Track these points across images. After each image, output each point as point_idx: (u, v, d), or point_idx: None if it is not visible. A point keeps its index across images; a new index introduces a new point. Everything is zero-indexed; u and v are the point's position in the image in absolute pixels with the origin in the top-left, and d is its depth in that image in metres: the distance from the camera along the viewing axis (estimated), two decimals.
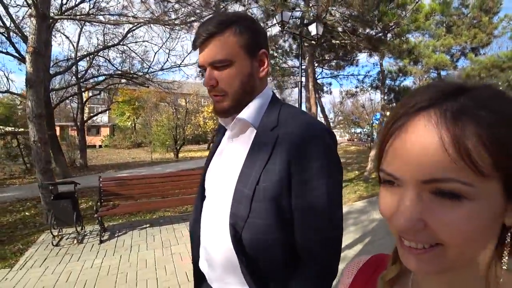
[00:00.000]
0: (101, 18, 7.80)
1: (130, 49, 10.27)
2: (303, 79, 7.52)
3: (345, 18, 6.32)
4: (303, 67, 7.42)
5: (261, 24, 8.18)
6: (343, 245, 0.88)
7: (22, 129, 11.92)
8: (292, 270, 0.83)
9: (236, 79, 0.83)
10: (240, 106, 0.86)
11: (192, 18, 6.29)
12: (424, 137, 0.31)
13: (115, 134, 26.11)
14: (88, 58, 11.14)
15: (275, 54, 10.73)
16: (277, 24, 6.05)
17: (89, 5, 8.51)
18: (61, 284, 2.91)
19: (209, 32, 0.80)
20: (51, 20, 8.93)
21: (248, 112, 0.86)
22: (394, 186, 0.35)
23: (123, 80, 12.24)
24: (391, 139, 0.35)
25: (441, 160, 0.30)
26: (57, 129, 24.11)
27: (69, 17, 7.13)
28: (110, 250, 3.69)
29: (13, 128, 12.18)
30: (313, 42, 6.91)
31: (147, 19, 6.32)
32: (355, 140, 26.37)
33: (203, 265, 0.96)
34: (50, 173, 5.15)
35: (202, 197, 0.98)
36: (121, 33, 10.65)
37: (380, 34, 7.89)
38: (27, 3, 5.65)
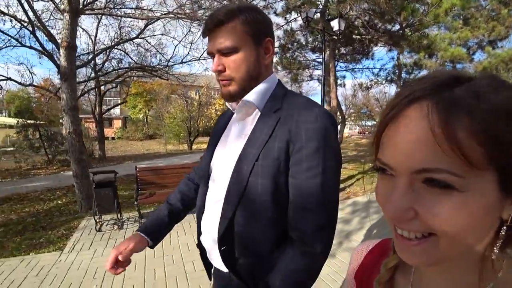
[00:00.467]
0: (127, 11, 7.91)
1: (147, 42, 10.40)
2: (319, 72, 7.62)
3: (368, 13, 6.37)
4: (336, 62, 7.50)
5: (282, 18, 8.18)
6: (362, 234, 0.96)
7: (40, 122, 12.25)
8: (282, 251, 0.86)
9: (243, 65, 0.87)
10: (246, 91, 0.90)
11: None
12: (415, 128, 0.32)
13: (127, 126, 26.50)
14: (105, 52, 11.32)
15: (290, 47, 10.79)
16: (301, 20, 6.13)
17: None
18: None
19: (217, 21, 0.85)
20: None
21: (254, 95, 0.90)
22: (389, 175, 0.36)
23: (140, 73, 12.39)
24: (386, 129, 0.35)
25: (432, 151, 0.30)
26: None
27: (100, 12, 7.29)
28: None
29: (33, 120, 12.51)
30: (334, 37, 6.97)
31: (185, 13, 6.48)
32: (366, 133, 26.33)
33: (204, 241, 1.00)
34: (84, 163, 5.39)
35: (207, 177, 1.00)
36: (137, 26, 10.80)
37: (398, 29, 7.90)
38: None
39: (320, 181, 0.79)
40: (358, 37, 7.35)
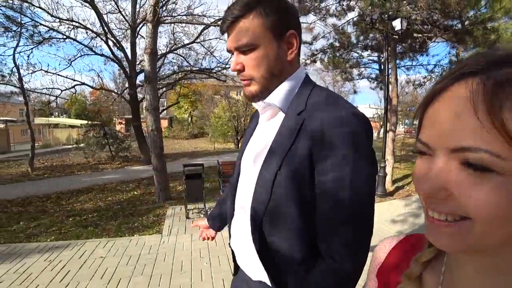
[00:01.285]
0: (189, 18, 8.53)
1: (203, 46, 10.99)
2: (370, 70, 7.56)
3: (431, 10, 6.27)
4: (382, 60, 7.44)
5: (336, 19, 8.21)
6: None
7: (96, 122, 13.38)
8: (311, 265, 0.79)
9: (262, 63, 0.80)
10: (269, 90, 0.84)
11: None
12: (458, 105, 0.31)
13: (173, 125, 27.95)
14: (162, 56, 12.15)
15: (337, 45, 10.78)
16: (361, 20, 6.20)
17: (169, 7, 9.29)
18: (213, 246, 3.55)
19: (234, 16, 0.79)
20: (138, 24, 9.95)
21: (277, 95, 0.83)
22: (427, 155, 0.35)
23: (192, 75, 13.07)
24: (428, 108, 0.35)
25: (472, 128, 0.29)
26: (123, 121, 26.44)
27: (177, 20, 7.96)
28: None
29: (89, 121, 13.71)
30: (395, 36, 6.93)
31: None
32: (412, 132, 25.30)
33: (233, 245, 0.98)
34: (163, 158, 5.94)
35: (237, 181, 0.97)
36: (190, 32, 11.49)
37: (459, 24, 7.62)
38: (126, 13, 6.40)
39: (349, 193, 0.71)
40: (420, 35, 7.22)
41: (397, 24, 6.55)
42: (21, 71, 9.85)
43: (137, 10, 10.22)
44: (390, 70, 7.05)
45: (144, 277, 3.00)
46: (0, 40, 18.30)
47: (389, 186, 7.06)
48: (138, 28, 10.44)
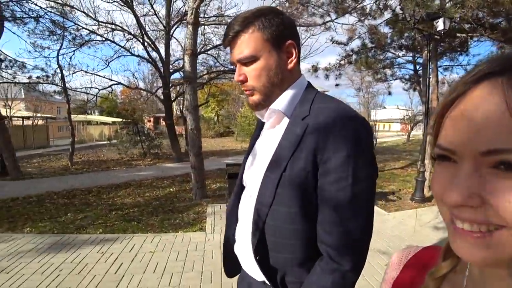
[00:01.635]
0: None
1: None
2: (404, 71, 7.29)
3: (479, 9, 5.98)
4: (420, 61, 7.20)
5: (373, 19, 8.03)
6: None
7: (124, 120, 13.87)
8: (312, 266, 0.82)
9: (263, 73, 0.84)
10: (271, 99, 0.88)
11: (328, 19, 6.69)
12: (486, 105, 0.28)
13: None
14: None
15: (370, 45, 10.53)
16: (409, 22, 6.02)
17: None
18: None
19: (235, 31, 0.84)
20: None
21: (281, 102, 0.87)
22: (450, 162, 0.32)
23: (221, 75, 13.23)
24: (449, 110, 0.32)
25: (505, 129, 0.27)
26: (151, 119, 27.29)
27: (215, 22, 8.13)
28: None
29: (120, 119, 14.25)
30: (436, 36, 6.68)
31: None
32: None
33: (237, 250, 0.99)
34: (201, 157, 6.07)
35: (242, 186, 1.00)
36: (218, 32, 11.60)
37: (503, 22, 7.22)
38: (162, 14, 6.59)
39: (349, 194, 0.74)
40: (463, 35, 6.92)
41: (439, 23, 6.31)
42: (64, 71, 10.43)
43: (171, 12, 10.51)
44: (430, 70, 6.80)
45: (195, 273, 3.09)
46: (45, 43, 19.50)
47: (425, 192, 6.82)
48: (172, 30, 10.73)
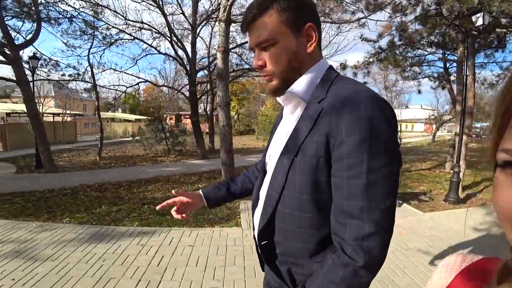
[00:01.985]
0: None
1: None
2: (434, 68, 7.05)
3: None
4: (454, 58, 6.95)
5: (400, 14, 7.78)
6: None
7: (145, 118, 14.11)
8: (323, 257, 0.77)
9: (282, 57, 0.82)
10: (290, 83, 0.85)
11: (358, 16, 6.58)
12: None
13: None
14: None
15: (399, 42, 10.26)
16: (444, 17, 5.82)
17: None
18: None
19: (253, 15, 0.81)
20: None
21: (298, 85, 0.84)
22: None
23: (245, 73, 13.28)
24: None
25: None
26: (173, 117, 27.79)
27: (240, 20, 8.17)
28: None
29: (149, 117, 14.56)
30: (474, 32, 6.41)
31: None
32: (473, 136, 23.29)
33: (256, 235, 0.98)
34: (232, 153, 6.11)
35: (264, 172, 0.98)
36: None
37: None
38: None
39: (364, 182, 0.67)
40: (503, 30, 6.61)
41: (478, 18, 6.05)
42: (94, 69, 10.78)
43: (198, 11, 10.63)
44: (467, 68, 6.55)
45: (238, 267, 3.11)
46: (77, 43, 20.29)
47: (459, 193, 6.59)
48: (198, 29, 10.86)
